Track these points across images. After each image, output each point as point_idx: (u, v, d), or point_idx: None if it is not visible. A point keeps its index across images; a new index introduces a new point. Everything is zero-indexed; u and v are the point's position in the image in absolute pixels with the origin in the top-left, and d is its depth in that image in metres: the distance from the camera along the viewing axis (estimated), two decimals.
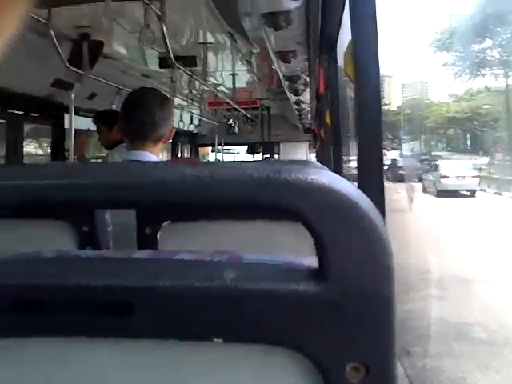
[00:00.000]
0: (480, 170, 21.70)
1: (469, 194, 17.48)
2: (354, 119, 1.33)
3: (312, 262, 0.44)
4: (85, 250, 0.53)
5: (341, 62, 2.85)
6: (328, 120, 2.91)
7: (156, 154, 1.90)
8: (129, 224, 1.15)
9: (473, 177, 18.75)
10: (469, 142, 45.50)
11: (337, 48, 2.68)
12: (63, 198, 0.46)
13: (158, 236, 1.17)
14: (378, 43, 1.31)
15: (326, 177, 0.42)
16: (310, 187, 0.41)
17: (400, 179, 19.30)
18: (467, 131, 44.88)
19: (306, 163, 1.52)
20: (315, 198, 0.41)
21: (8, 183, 0.45)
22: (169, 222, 1.15)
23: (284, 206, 0.42)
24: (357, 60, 1.30)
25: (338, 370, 0.42)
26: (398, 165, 21.72)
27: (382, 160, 1.33)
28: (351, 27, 1.29)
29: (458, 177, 18.12)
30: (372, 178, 1.26)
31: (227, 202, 0.43)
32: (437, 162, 21.26)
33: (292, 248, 1.24)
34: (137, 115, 1.87)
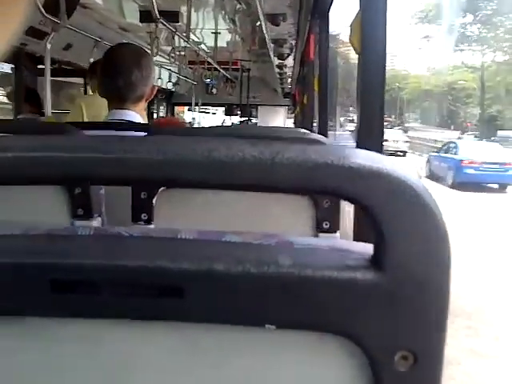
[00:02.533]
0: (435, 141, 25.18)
1: (401, 154, 22.88)
2: (357, 91, 1.28)
3: (366, 248, 0.44)
4: (126, 228, 0.49)
5: (331, 28, 2.78)
6: (316, 87, 2.86)
7: (139, 113, 1.85)
8: (123, 188, 1.11)
9: (404, 141, 24.60)
10: (442, 116, 46.05)
11: (329, 14, 2.61)
12: (68, 172, 0.43)
13: (154, 201, 1.16)
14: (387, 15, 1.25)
15: (389, 165, 0.41)
16: (375, 174, 0.40)
17: None
18: (441, 105, 45.33)
19: (299, 133, 1.48)
20: (378, 185, 0.40)
21: (12, 155, 0.42)
22: (165, 187, 1.13)
23: (346, 193, 0.41)
24: (364, 30, 1.25)
25: (387, 358, 0.42)
26: None
27: (382, 133, 1.31)
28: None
29: (394, 140, 23.32)
30: (373, 148, 1.24)
31: (290, 187, 0.42)
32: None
33: (287, 218, 1.22)
34: (113, 77, 1.79)
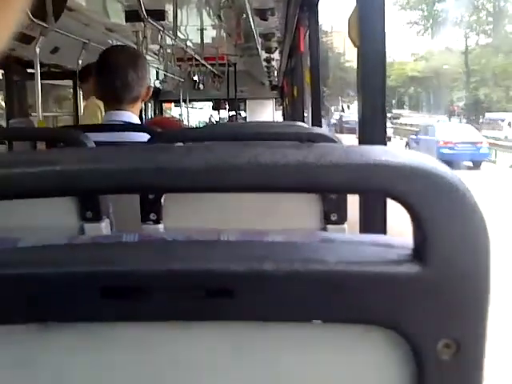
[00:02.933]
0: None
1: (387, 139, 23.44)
2: (357, 85, 1.29)
3: (406, 242, 0.45)
4: (170, 233, 0.50)
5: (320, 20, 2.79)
6: (307, 79, 2.87)
7: (135, 113, 1.86)
8: None
9: (389, 127, 23.33)
10: (429, 101, 46.23)
11: (318, 6, 2.61)
12: (80, 185, 0.43)
13: (162, 201, 1.16)
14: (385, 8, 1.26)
15: (427, 161, 0.42)
16: (415, 172, 0.42)
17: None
18: (427, 90, 45.50)
19: (298, 127, 1.49)
20: (419, 182, 0.42)
21: (27, 170, 0.43)
22: None
23: (388, 191, 0.43)
24: (362, 24, 1.25)
25: (429, 347, 0.44)
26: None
27: (385, 125, 1.33)
28: None
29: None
30: (376, 140, 1.28)
31: (334, 189, 0.46)
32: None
33: (295, 213, 1.23)
34: (109, 78, 1.80)
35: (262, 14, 3.00)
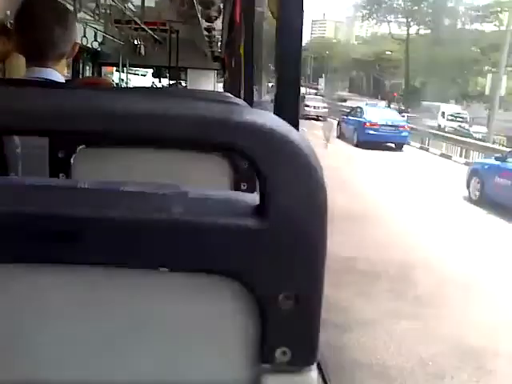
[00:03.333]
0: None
1: (322, 119, 26.09)
2: (275, 55, 1.33)
3: (253, 198, 0.47)
4: (28, 178, 0.51)
5: None
6: (241, 51, 2.88)
7: (60, 72, 1.78)
8: (40, 146, 1.10)
9: (323, 107, 28.99)
10: (370, 86, 47.06)
11: None
12: None
13: (72, 160, 1.13)
14: None
15: (274, 121, 0.44)
16: (259, 130, 0.43)
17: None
18: (369, 74, 46.29)
19: (221, 96, 1.51)
20: (263, 140, 0.43)
21: None
22: (83, 146, 1.12)
23: (233, 146, 0.44)
24: None
25: (271, 298, 0.46)
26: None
27: (298, 104, 1.34)
28: None
29: (314, 107, 28.13)
30: (288, 113, 1.28)
31: (177, 140, 0.46)
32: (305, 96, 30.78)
33: (204, 177, 1.25)
34: (32, 32, 1.69)
35: None
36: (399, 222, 8.63)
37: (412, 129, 20.69)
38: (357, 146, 18.53)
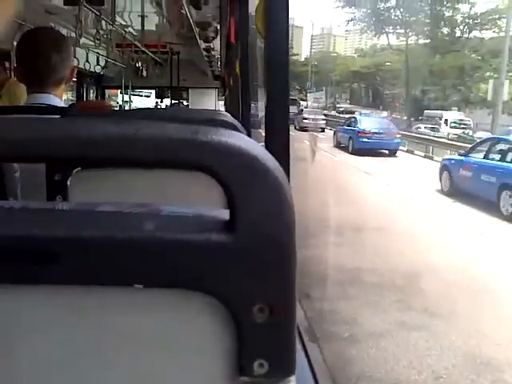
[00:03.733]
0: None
1: (320, 130, 27.41)
2: (263, 74, 1.40)
3: (223, 214, 0.49)
4: (7, 201, 0.54)
5: (252, 11, 2.87)
6: (237, 70, 2.95)
7: (59, 97, 1.85)
8: (37, 170, 1.13)
9: (322, 119, 29.81)
10: (371, 97, 47.15)
11: None
12: None
13: (68, 183, 1.15)
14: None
15: (238, 139, 0.47)
16: (224, 148, 0.46)
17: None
18: (370, 86, 46.42)
19: (215, 114, 1.57)
20: (228, 158, 0.46)
21: None
22: (79, 168, 1.14)
23: (199, 165, 0.46)
24: (268, 15, 1.36)
25: (246, 311, 0.48)
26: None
27: (287, 120, 1.39)
28: None
29: (313, 119, 28.44)
30: (279, 134, 1.34)
31: (147, 161, 0.47)
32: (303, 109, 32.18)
33: (199, 196, 1.25)
34: (32, 60, 1.79)
35: (195, 2, 3.06)
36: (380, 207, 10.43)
37: (416, 138, 21.43)
38: (352, 153, 19.57)
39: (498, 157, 11.35)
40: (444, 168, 12.98)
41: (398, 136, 20.62)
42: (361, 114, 28.38)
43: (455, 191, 12.03)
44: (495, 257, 7.70)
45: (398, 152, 19.97)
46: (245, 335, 0.48)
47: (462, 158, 12.45)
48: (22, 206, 0.51)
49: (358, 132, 20.10)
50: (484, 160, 11.65)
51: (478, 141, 14.36)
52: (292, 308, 0.49)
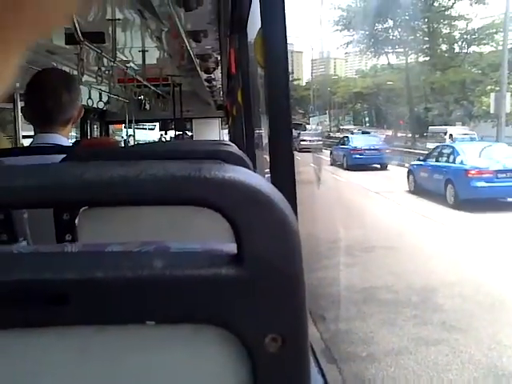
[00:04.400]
0: None
1: (314, 150, 28.55)
2: (265, 103, 1.41)
3: (231, 247, 0.49)
4: (17, 246, 0.55)
5: (251, 39, 2.91)
6: (239, 99, 2.98)
7: (66, 136, 1.88)
8: (46, 210, 1.14)
9: (318, 141, 32.37)
10: (374, 116, 47.39)
11: (247, 28, 2.74)
12: None
13: (76, 221, 1.17)
14: (287, 29, 1.39)
15: (241, 173, 0.47)
16: (227, 184, 0.46)
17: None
18: (373, 106, 46.68)
19: (220, 145, 1.58)
20: (231, 193, 0.46)
21: None
22: (86, 207, 1.15)
23: (204, 202, 0.47)
24: (266, 45, 1.37)
25: (258, 342, 0.48)
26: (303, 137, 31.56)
27: (291, 146, 1.41)
28: (261, 16, 1.34)
29: (310, 140, 31.28)
30: (283, 161, 1.35)
31: (153, 200, 0.48)
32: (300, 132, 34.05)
33: (207, 230, 1.26)
34: (42, 100, 1.82)
35: (195, 35, 3.11)
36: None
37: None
38: (347, 169, 21.78)
39: (444, 159, 14.79)
40: (410, 172, 16.36)
41: (387, 151, 23.16)
42: (352, 133, 31.22)
43: (418, 190, 15.17)
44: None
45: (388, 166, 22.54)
46: (259, 366, 0.48)
47: (422, 162, 15.82)
48: (32, 250, 0.52)
49: (351, 150, 22.35)
50: (435, 163, 15.01)
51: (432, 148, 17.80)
52: (304, 335, 0.49)
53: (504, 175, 13.13)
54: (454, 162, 14.21)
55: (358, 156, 22.02)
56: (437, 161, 15.02)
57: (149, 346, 0.48)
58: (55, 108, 1.83)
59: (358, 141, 23.51)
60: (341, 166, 22.31)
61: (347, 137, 25.19)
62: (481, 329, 5.41)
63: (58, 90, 1.83)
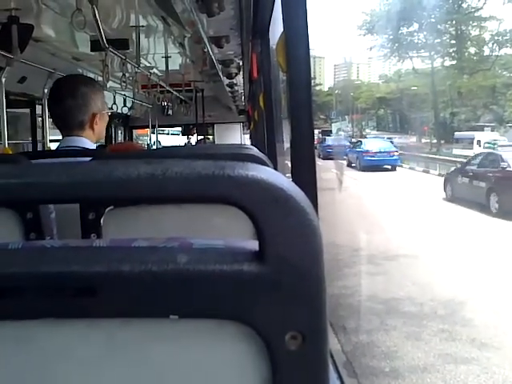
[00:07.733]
0: None
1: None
2: (287, 108, 1.41)
3: (253, 245, 0.50)
4: (47, 241, 0.57)
5: (274, 45, 2.92)
6: (261, 103, 2.99)
7: (90, 139, 1.96)
8: (72, 210, 1.16)
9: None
10: (398, 122, 47.00)
11: (269, 33, 2.75)
12: (14, 196, 0.50)
13: (102, 221, 1.19)
14: (309, 33, 1.39)
15: (264, 172, 0.48)
16: (250, 182, 0.47)
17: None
18: (396, 111, 46.30)
19: (241, 149, 1.59)
20: (254, 191, 0.47)
21: None
22: (111, 207, 1.17)
23: (228, 199, 0.48)
24: (288, 50, 1.38)
25: (278, 339, 0.49)
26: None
27: (313, 150, 1.42)
28: (283, 20, 1.35)
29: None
30: (305, 165, 1.36)
31: (178, 197, 0.51)
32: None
33: (226, 228, 1.28)
34: (53, 105, 1.99)
35: (217, 41, 3.13)
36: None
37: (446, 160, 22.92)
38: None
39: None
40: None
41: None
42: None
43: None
44: None
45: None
46: (278, 362, 0.49)
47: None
48: (62, 244, 0.54)
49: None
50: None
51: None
52: (324, 334, 0.49)
53: None
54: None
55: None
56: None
57: (172, 340, 0.49)
58: (63, 113, 1.96)
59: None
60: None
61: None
62: None
63: (63, 97, 1.96)
